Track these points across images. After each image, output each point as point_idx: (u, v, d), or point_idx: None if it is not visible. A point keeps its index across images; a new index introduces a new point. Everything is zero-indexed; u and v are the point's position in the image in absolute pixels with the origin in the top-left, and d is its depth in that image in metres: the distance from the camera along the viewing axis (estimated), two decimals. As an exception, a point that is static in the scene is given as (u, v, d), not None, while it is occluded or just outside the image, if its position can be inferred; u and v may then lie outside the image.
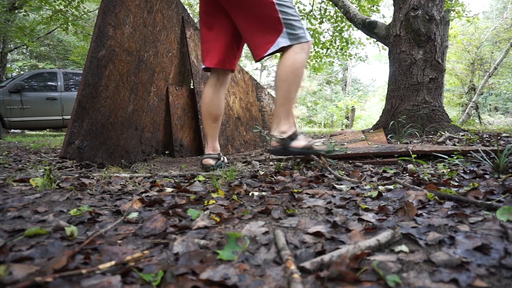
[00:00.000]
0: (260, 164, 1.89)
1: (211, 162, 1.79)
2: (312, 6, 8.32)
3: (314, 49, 8.58)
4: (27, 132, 10.24)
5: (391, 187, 1.11)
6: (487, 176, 1.26)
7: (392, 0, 3.87)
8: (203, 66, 1.84)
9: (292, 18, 1.59)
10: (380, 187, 1.10)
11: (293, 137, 1.62)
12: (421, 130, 3.25)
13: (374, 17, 9.35)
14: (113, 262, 0.50)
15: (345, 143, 2.61)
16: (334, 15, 8.11)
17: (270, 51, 1.59)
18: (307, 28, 8.08)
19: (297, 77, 1.61)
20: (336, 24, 8.20)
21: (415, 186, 1.04)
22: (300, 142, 1.62)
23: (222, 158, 1.88)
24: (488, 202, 0.81)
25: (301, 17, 1.70)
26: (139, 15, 2.20)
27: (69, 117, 6.63)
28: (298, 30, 1.60)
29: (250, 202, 0.95)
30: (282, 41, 1.57)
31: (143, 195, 1.05)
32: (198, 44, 3.13)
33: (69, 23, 7.99)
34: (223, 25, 1.74)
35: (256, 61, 1.66)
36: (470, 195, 0.93)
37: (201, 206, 0.91)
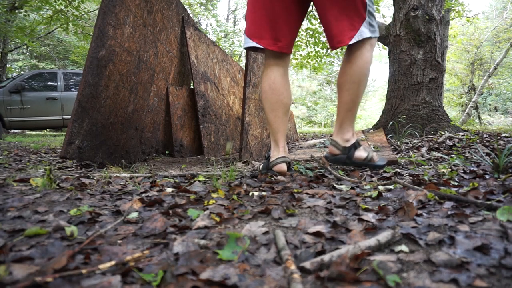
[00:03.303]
0: (260, 164, 1.89)
1: (285, 168, 1.46)
2: (313, 6, 8.30)
3: (314, 49, 8.58)
4: (27, 132, 10.24)
5: (391, 187, 1.11)
6: (487, 176, 1.26)
7: (392, 0, 3.87)
8: (265, 48, 1.48)
9: (372, 6, 1.42)
10: (380, 187, 1.10)
11: (356, 145, 1.49)
12: (421, 130, 3.25)
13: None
14: (113, 262, 0.50)
15: None
16: (334, 15, 8.08)
17: (353, 40, 1.36)
18: (307, 28, 8.10)
19: (367, 78, 1.44)
20: (336, 24, 8.17)
21: (415, 186, 1.04)
22: (362, 153, 1.50)
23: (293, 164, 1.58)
24: (488, 202, 0.81)
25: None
26: (139, 15, 2.20)
27: (69, 117, 6.63)
28: (374, 21, 1.42)
29: (250, 202, 0.95)
30: (365, 31, 1.37)
31: (143, 195, 1.05)
32: (198, 44, 3.13)
33: (70, 23, 7.99)
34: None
35: (335, 48, 1.42)
36: (470, 195, 0.93)
37: (201, 206, 0.91)
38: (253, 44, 1.48)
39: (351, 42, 1.37)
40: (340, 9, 1.36)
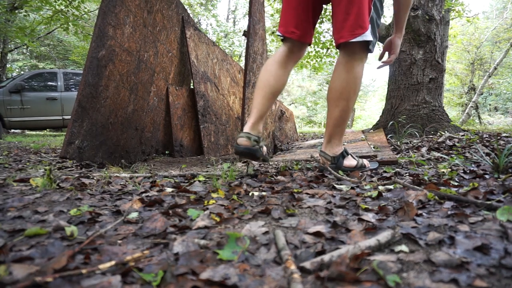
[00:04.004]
0: (260, 164, 1.89)
1: (246, 143, 1.40)
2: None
3: (314, 49, 8.58)
4: (27, 132, 10.24)
5: (391, 187, 1.11)
6: (487, 176, 1.26)
7: (392, 0, 3.87)
8: (278, 34, 1.55)
9: (376, 21, 1.45)
10: (380, 187, 1.10)
11: (344, 154, 1.52)
12: (421, 130, 3.25)
13: None
14: (113, 262, 0.50)
15: (345, 143, 2.61)
16: (334, 15, 8.09)
17: (357, 38, 1.35)
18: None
19: (357, 92, 1.45)
20: (337, 24, 8.17)
21: (415, 186, 1.04)
22: (351, 162, 1.53)
23: (262, 145, 1.49)
24: (488, 202, 0.81)
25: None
26: (139, 15, 2.20)
27: (69, 117, 6.63)
28: (374, 37, 1.45)
29: (250, 202, 0.95)
30: (368, 35, 1.37)
31: (143, 195, 1.05)
32: (198, 44, 3.13)
33: (70, 23, 7.99)
34: None
35: (338, 43, 1.42)
36: (470, 195, 0.93)
37: (201, 206, 0.91)
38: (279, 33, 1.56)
39: (355, 40, 1.36)
40: (355, 5, 1.35)
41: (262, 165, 1.88)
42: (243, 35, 2.46)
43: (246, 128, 1.45)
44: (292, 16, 1.49)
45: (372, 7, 1.41)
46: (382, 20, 8.46)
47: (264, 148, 1.54)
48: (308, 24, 1.51)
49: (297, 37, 1.50)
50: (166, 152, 2.81)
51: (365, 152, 1.91)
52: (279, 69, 1.51)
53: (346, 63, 1.42)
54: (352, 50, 1.41)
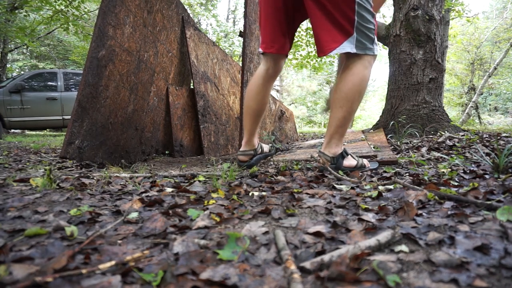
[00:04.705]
0: (259, 164, 1.89)
1: (244, 158, 1.70)
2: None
3: (314, 49, 8.57)
4: (27, 132, 10.24)
5: (391, 187, 1.11)
6: (487, 176, 1.26)
7: (392, 0, 3.87)
8: (259, 50, 1.66)
9: (365, 25, 1.42)
10: (380, 187, 1.10)
11: (344, 154, 1.53)
12: (421, 130, 3.25)
13: (374, 17, 9.31)
14: (113, 262, 0.50)
15: (345, 143, 2.61)
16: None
17: (334, 51, 1.43)
18: (307, 28, 8.09)
19: (362, 95, 1.47)
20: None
21: (415, 186, 1.04)
22: (351, 162, 1.54)
23: (260, 150, 1.76)
24: (488, 202, 0.81)
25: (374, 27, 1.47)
26: (139, 15, 2.20)
27: (69, 117, 6.63)
28: (367, 40, 1.44)
29: (250, 202, 0.95)
30: (347, 46, 1.41)
31: (143, 195, 1.05)
32: (198, 44, 3.13)
33: (70, 23, 7.99)
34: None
35: (319, 56, 1.52)
36: (470, 195, 0.93)
37: (201, 206, 0.91)
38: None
39: (331, 53, 1.43)
40: (328, 20, 1.42)
41: (262, 165, 1.89)
42: (239, 35, 2.47)
43: (242, 147, 1.72)
44: (269, 32, 1.59)
45: (356, 17, 1.40)
46: (382, 20, 8.45)
47: (265, 148, 1.81)
48: (285, 38, 1.60)
49: (276, 51, 1.59)
50: (166, 152, 2.81)
51: (365, 152, 1.91)
52: (260, 92, 1.66)
53: (351, 66, 1.46)
54: (352, 61, 1.46)
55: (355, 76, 1.44)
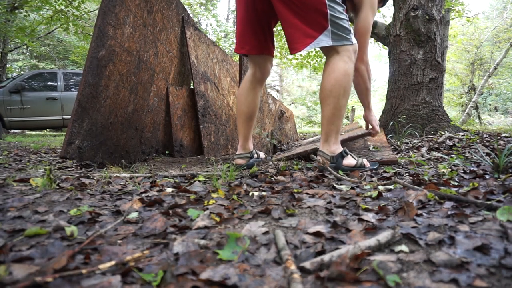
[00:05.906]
0: (259, 164, 1.89)
1: (241, 162, 1.74)
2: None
3: (314, 49, 8.58)
4: (27, 132, 10.24)
5: (391, 187, 1.11)
6: (487, 176, 1.26)
7: (392, 0, 3.87)
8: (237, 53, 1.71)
9: (339, 16, 1.42)
10: (380, 187, 1.10)
11: (344, 154, 1.54)
12: (421, 130, 3.25)
13: (374, 17, 9.33)
14: (113, 262, 0.50)
15: (343, 133, 2.65)
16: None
17: (308, 47, 1.41)
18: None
19: (348, 90, 1.46)
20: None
21: (415, 186, 1.04)
22: (350, 161, 1.53)
23: (256, 155, 1.82)
24: (488, 202, 0.81)
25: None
26: (139, 15, 2.20)
27: (69, 117, 6.63)
28: (343, 31, 1.43)
29: (250, 202, 0.95)
30: (323, 40, 1.40)
31: (143, 195, 1.05)
32: (198, 44, 3.13)
33: (70, 23, 7.99)
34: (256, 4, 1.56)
35: (291, 53, 1.50)
36: (470, 195, 0.93)
37: (201, 206, 0.91)
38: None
39: (306, 48, 1.42)
40: (297, 17, 1.42)
41: (262, 165, 1.89)
42: None
43: (238, 150, 1.77)
44: (239, 33, 1.64)
45: (328, 9, 1.39)
46: (382, 20, 8.44)
47: (261, 154, 1.91)
48: (258, 39, 1.63)
49: (247, 52, 1.64)
50: (166, 152, 2.81)
51: (360, 134, 2.02)
52: (249, 95, 1.71)
53: (331, 63, 1.47)
54: (328, 52, 1.48)
55: (336, 72, 1.44)
